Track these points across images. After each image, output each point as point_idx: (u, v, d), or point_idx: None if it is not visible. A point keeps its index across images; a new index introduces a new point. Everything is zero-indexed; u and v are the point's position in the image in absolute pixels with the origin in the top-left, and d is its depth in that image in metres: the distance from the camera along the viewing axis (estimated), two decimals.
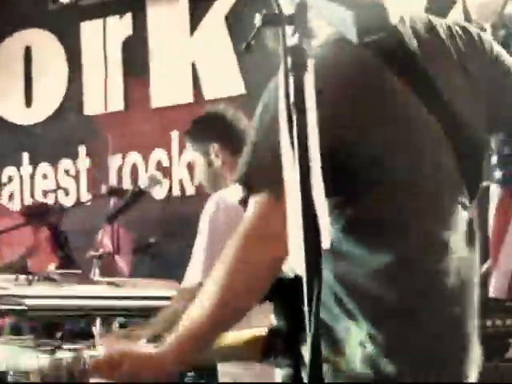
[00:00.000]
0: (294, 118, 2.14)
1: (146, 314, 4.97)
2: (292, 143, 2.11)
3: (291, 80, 2.16)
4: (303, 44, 2.20)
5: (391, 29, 2.58)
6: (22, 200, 8.41)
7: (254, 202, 2.54)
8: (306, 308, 2.08)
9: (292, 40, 2.18)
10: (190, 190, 7.48)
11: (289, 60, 2.16)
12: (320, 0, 2.39)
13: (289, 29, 2.18)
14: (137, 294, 5.36)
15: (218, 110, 5.17)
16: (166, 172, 7.61)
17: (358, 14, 2.41)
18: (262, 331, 2.78)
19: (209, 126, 5.00)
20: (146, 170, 7.82)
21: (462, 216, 2.77)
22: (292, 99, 2.14)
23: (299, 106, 2.16)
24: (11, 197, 8.46)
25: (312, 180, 2.06)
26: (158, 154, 7.76)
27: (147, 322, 4.67)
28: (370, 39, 2.46)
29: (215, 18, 7.58)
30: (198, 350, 2.61)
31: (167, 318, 4.36)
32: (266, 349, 2.79)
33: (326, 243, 2.00)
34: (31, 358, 4.27)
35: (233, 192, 4.47)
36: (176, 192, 7.65)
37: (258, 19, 2.25)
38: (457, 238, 2.74)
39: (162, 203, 7.55)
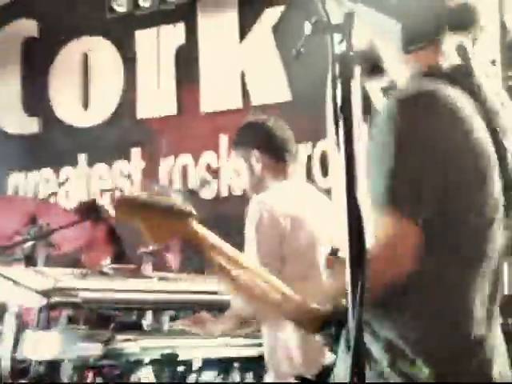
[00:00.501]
0: (341, 122, 2.28)
1: (195, 306, 5.36)
2: (338, 146, 2.27)
3: (339, 86, 2.31)
4: (350, 52, 2.33)
5: (434, 41, 2.75)
6: (78, 198, 8.28)
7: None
8: (349, 297, 2.26)
9: (339, 48, 2.32)
10: (237, 191, 7.49)
11: (336, 67, 2.32)
12: (367, 10, 2.61)
13: (337, 37, 2.33)
14: (185, 289, 5.65)
15: (259, 119, 5.24)
16: (215, 173, 7.77)
17: (404, 25, 2.63)
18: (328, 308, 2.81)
19: (250, 134, 5.07)
20: (196, 172, 7.95)
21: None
22: (339, 104, 2.29)
23: (346, 111, 2.30)
24: (67, 195, 8.58)
25: (358, 187, 2.22)
26: (208, 157, 7.83)
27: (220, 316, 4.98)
28: (414, 48, 2.69)
29: (263, 28, 7.62)
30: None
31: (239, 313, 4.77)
32: (324, 325, 2.84)
33: (368, 243, 2.22)
34: (85, 346, 4.91)
35: (272, 195, 4.80)
36: (224, 193, 7.76)
37: (307, 28, 2.41)
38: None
39: (210, 203, 7.60)
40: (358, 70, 2.67)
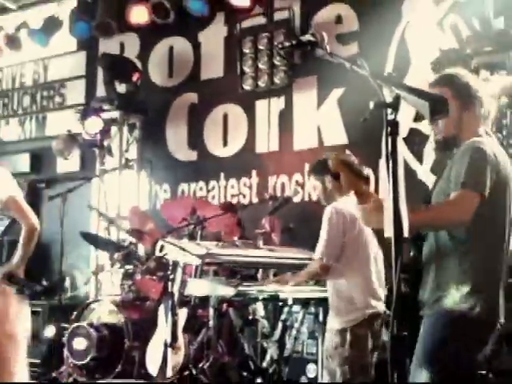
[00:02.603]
0: (390, 162, 2.73)
1: (289, 267, 5.98)
2: (388, 176, 2.71)
3: (389, 140, 2.73)
4: (397, 119, 2.74)
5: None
6: (219, 199, 8.97)
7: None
8: (393, 269, 2.67)
9: (390, 116, 2.74)
10: (314, 198, 7.78)
11: (388, 128, 2.72)
12: (406, 93, 2.85)
13: (389, 110, 2.76)
14: (284, 256, 6.27)
15: (327, 156, 5.40)
16: (301, 187, 8.27)
17: (430, 103, 2.86)
18: None
19: (323, 166, 5.29)
20: (290, 186, 8.38)
21: None
22: (389, 151, 2.72)
23: (393, 155, 2.75)
24: (213, 197, 9.05)
25: (399, 195, 2.68)
26: (297, 176, 8.31)
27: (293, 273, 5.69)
28: (439, 118, 3.11)
29: (331, 100, 8.16)
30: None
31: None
32: None
33: (405, 232, 2.61)
34: (223, 289, 5.63)
35: (340, 203, 5.12)
36: (306, 198, 8.16)
37: (371, 104, 2.78)
38: None
39: (299, 205, 7.95)
40: (401, 129, 2.82)
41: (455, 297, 3.32)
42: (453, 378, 3.31)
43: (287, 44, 3.34)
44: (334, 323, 5.21)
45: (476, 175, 3.36)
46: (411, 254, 3.53)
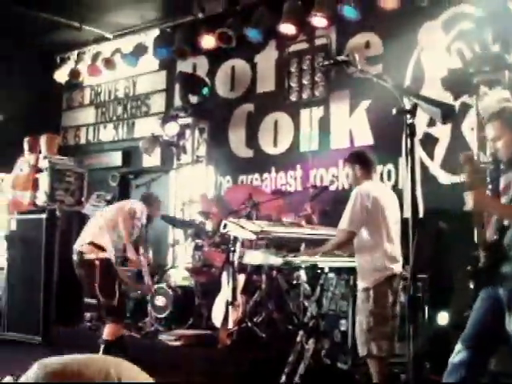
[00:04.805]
0: (409, 157, 2.80)
1: (322, 242, 5.67)
2: (406, 166, 3.35)
3: (408, 139, 2.78)
4: (415, 122, 2.78)
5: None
6: (270, 188, 8.74)
7: None
8: (410, 243, 2.69)
9: (409, 121, 2.79)
10: (346, 186, 7.78)
11: (408, 131, 2.77)
12: (421, 102, 2.88)
13: (408, 115, 2.81)
14: (321, 233, 6.27)
15: (360, 150, 6.06)
16: (336, 177, 8.11)
17: (441, 110, 2.91)
18: None
19: (355, 157, 5.55)
20: (327, 177, 8.25)
21: None
22: (408, 149, 2.79)
23: (411, 153, 2.80)
24: (266, 186, 8.85)
25: (416, 185, 3.01)
26: (333, 170, 8.20)
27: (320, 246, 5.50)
28: (448, 121, 3.58)
29: (361, 110, 8.02)
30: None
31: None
32: None
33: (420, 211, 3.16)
34: (273, 259, 5.66)
35: (364, 186, 5.18)
36: (340, 187, 8.05)
37: (394, 110, 2.85)
38: None
39: (334, 192, 7.85)
40: (416, 130, 2.84)
41: None
42: None
43: (326, 62, 3.37)
44: (360, 284, 5.22)
45: None
46: (495, 237, 3.48)
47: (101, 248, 6.28)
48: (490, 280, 3.39)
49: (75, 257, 6.32)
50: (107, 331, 6.23)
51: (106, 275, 6.18)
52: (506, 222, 3.44)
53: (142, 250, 6.85)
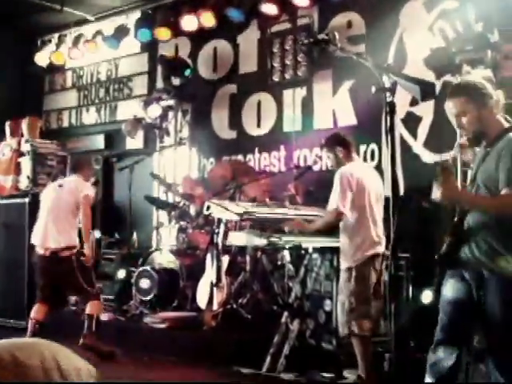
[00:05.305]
0: (389, 135, 2.84)
1: (309, 222, 5.69)
2: (387, 145, 2.79)
3: (388, 118, 2.82)
4: (394, 100, 2.83)
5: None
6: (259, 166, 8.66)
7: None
8: (391, 220, 2.74)
9: (389, 99, 2.83)
10: (330, 167, 6.87)
11: (387, 108, 2.81)
12: (401, 80, 2.93)
13: (387, 93, 2.85)
14: (305, 213, 6.25)
15: (340, 132, 6.06)
16: (319, 158, 8.02)
17: (420, 87, 2.97)
18: None
19: (337, 138, 5.59)
20: (310, 158, 8.22)
21: None
22: (388, 126, 2.82)
23: (391, 129, 2.85)
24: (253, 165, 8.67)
25: (396, 163, 2.84)
26: (316, 150, 8.09)
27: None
28: (428, 99, 3.42)
29: (344, 89, 7.98)
30: None
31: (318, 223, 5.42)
32: None
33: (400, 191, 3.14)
34: (257, 240, 5.73)
35: (347, 168, 5.22)
36: (324, 168, 7.89)
37: (373, 89, 2.91)
38: None
39: (317, 173, 7.77)
40: (396, 107, 2.88)
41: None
42: None
43: (307, 41, 3.36)
44: (343, 264, 5.27)
45: None
46: (455, 220, 3.43)
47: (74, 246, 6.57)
48: (452, 264, 3.36)
49: (47, 253, 6.56)
50: (92, 307, 6.52)
51: (84, 267, 6.51)
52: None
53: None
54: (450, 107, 3.39)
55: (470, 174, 3.53)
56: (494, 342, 3.26)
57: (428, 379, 3.37)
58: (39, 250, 6.58)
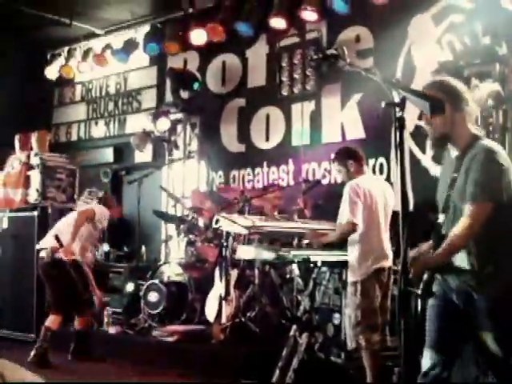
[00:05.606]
0: (398, 150, 2.77)
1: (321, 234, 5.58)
2: (396, 159, 2.74)
3: (397, 132, 2.71)
4: (404, 115, 2.76)
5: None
6: (263, 183, 8.74)
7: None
8: (401, 237, 2.66)
9: (399, 114, 2.76)
10: (339, 181, 6.91)
11: (397, 123, 2.69)
12: (410, 96, 2.86)
13: (397, 108, 2.78)
14: (314, 227, 6.19)
15: (351, 146, 6.00)
16: (328, 172, 8.04)
17: (429, 103, 2.91)
18: None
19: (347, 152, 5.61)
20: (319, 172, 8.17)
21: None
22: (397, 140, 2.74)
23: (400, 144, 2.78)
24: (258, 181, 8.81)
25: (406, 177, 2.85)
26: (325, 164, 8.10)
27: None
28: (437, 113, 2.96)
29: (352, 104, 7.91)
30: None
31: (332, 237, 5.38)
32: None
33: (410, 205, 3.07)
34: (266, 253, 5.63)
35: (357, 181, 5.24)
36: (332, 181, 7.92)
37: (383, 103, 2.80)
38: None
39: (326, 186, 7.82)
40: (406, 122, 2.81)
41: None
42: None
43: (316, 57, 3.34)
44: (350, 277, 5.27)
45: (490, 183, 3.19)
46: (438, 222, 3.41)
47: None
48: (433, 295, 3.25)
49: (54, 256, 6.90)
50: (80, 322, 6.93)
51: (80, 272, 6.83)
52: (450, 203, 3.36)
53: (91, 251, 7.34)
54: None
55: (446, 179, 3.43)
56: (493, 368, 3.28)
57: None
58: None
